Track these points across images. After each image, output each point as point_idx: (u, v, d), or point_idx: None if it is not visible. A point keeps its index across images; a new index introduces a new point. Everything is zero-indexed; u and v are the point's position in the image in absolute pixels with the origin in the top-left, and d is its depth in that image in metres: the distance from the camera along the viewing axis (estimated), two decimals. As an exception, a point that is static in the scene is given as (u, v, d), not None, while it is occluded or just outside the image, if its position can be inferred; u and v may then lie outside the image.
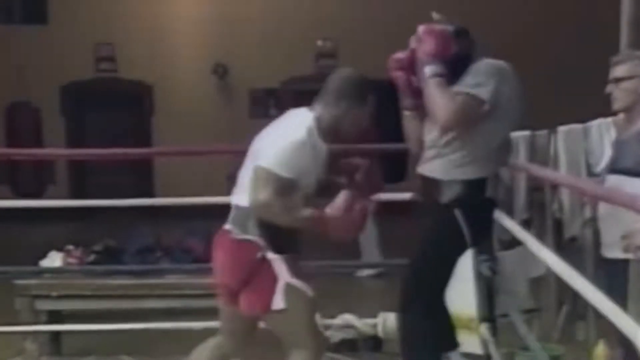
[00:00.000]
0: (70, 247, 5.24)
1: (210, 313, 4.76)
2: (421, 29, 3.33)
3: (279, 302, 3.03)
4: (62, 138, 13.06)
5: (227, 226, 3.17)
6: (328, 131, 3.15)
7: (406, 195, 3.89)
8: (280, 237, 3.04)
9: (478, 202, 3.41)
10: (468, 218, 3.37)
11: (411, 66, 3.43)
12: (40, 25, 13.00)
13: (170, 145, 11.78)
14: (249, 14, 12.97)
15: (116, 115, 13.34)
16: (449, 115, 3.18)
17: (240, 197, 3.11)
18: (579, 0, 12.05)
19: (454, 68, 3.27)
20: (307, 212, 3.02)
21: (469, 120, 3.24)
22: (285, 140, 3.02)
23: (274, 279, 3.04)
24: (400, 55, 3.50)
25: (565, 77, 11.90)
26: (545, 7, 12.31)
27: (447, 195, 3.37)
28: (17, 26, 12.97)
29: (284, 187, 2.97)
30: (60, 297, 4.90)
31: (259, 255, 3.05)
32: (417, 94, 3.40)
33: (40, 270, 5.12)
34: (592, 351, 3.84)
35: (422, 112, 3.44)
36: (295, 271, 3.07)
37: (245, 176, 3.13)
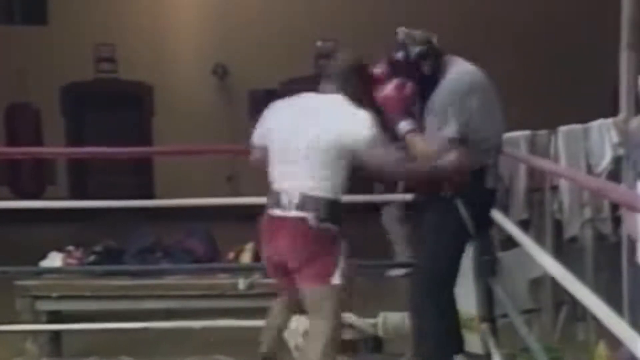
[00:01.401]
0: (71, 247, 5.24)
1: (210, 313, 4.78)
2: (387, 88, 3.54)
3: (337, 278, 3.36)
4: (62, 139, 13.05)
5: (298, 214, 3.35)
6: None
7: (407, 196, 3.95)
8: (342, 223, 3.39)
9: (477, 191, 3.55)
10: (468, 207, 3.48)
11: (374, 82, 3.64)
12: (40, 26, 13.00)
13: (170, 145, 11.80)
14: (249, 15, 12.97)
15: (116, 116, 13.33)
16: (430, 157, 3.48)
17: (304, 185, 3.35)
18: (578, 0, 12.06)
19: (422, 89, 3.52)
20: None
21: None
22: (365, 129, 3.34)
23: (336, 259, 3.37)
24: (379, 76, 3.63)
25: (565, 78, 11.91)
26: (544, 7, 12.31)
27: (447, 186, 3.49)
28: (17, 27, 12.97)
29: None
30: (60, 298, 4.91)
31: (332, 239, 3.37)
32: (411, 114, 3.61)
33: (40, 270, 5.12)
34: (592, 352, 3.84)
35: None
36: (348, 257, 3.42)
37: (305, 163, 3.36)
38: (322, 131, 3.35)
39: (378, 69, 3.60)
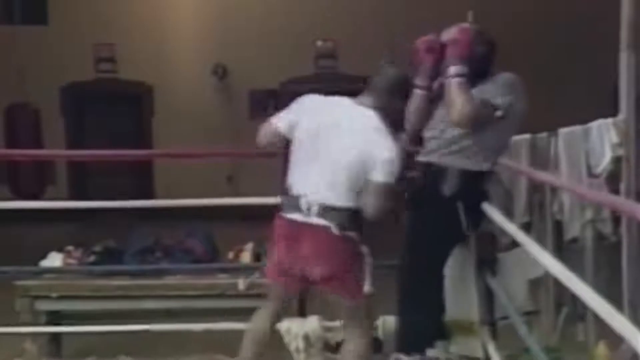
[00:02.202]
0: (70, 247, 5.24)
1: (210, 314, 4.78)
2: (457, 29, 3.60)
3: (368, 287, 3.44)
4: (62, 139, 13.06)
5: (320, 222, 3.39)
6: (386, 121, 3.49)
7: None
8: (361, 230, 3.47)
9: (476, 194, 3.66)
10: (467, 210, 3.53)
11: (441, 53, 3.66)
12: (40, 26, 12.99)
13: (171, 146, 11.80)
14: (249, 14, 12.97)
15: (116, 116, 13.34)
16: (462, 114, 3.48)
17: (336, 197, 3.39)
18: (578, 0, 12.05)
19: (475, 67, 3.57)
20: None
21: (480, 122, 3.53)
22: (387, 151, 3.35)
23: (364, 269, 3.45)
24: (433, 38, 3.70)
25: (565, 78, 11.91)
26: (544, 7, 12.31)
27: (449, 185, 3.53)
28: (17, 27, 12.94)
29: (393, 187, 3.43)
30: (60, 298, 4.91)
31: (357, 249, 3.45)
32: (434, 78, 3.70)
33: (40, 270, 5.12)
34: (592, 352, 3.84)
35: (431, 95, 3.73)
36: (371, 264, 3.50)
37: (332, 174, 3.39)
38: (352, 145, 3.37)
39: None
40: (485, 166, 3.68)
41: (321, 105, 3.52)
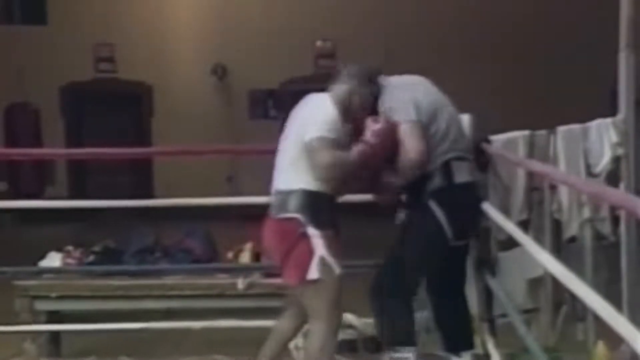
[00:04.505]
0: (70, 247, 5.23)
1: (210, 313, 4.78)
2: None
3: (313, 272, 3.29)
4: (62, 139, 13.06)
5: (270, 212, 3.44)
6: (341, 106, 3.45)
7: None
8: (320, 214, 3.33)
9: (446, 189, 3.57)
10: (442, 207, 3.50)
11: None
12: (40, 26, 13.00)
13: (170, 146, 11.79)
14: (249, 14, 12.97)
15: (116, 116, 13.33)
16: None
17: (278, 182, 3.44)
18: (577, 0, 12.05)
19: (373, 107, 3.58)
20: (354, 151, 3.38)
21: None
22: (320, 112, 3.39)
23: (311, 252, 3.30)
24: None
25: (564, 77, 11.90)
26: (544, 7, 12.31)
27: (427, 187, 3.55)
28: (16, 27, 12.96)
29: (335, 146, 3.33)
30: (59, 298, 4.90)
31: (300, 230, 3.31)
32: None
33: (39, 270, 5.11)
34: (592, 352, 3.84)
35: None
36: (330, 247, 3.33)
37: (282, 162, 3.44)
38: (294, 130, 3.43)
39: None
40: (435, 163, 3.61)
41: (297, 108, 3.57)
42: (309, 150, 3.32)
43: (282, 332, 3.67)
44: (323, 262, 3.30)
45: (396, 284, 3.59)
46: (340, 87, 3.54)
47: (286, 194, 3.38)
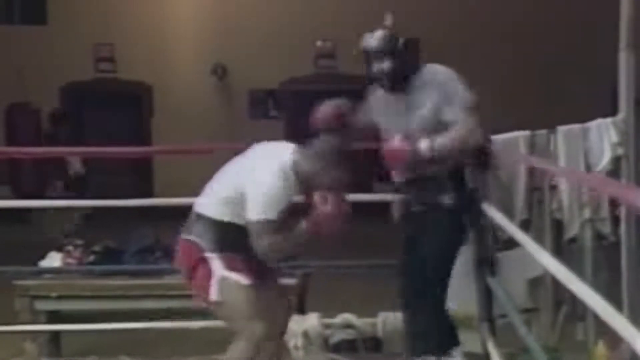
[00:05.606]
0: (70, 247, 5.24)
1: (210, 313, 4.77)
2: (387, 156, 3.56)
3: (213, 294, 3.34)
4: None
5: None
6: (304, 180, 3.35)
7: (387, 197, 4.02)
8: (223, 242, 3.36)
9: (464, 196, 3.66)
10: (469, 216, 3.58)
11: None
12: (40, 26, 13.00)
13: (170, 145, 11.78)
14: (249, 14, 12.97)
15: (116, 116, 13.34)
16: (468, 137, 3.52)
17: (200, 202, 3.49)
18: (577, 0, 12.06)
19: (407, 76, 3.62)
20: (301, 227, 3.32)
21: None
22: (264, 188, 3.28)
23: (209, 275, 3.35)
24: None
25: (564, 77, 11.91)
26: (543, 7, 12.31)
27: (449, 196, 3.58)
28: (16, 26, 12.97)
29: (276, 225, 3.29)
30: (59, 298, 4.90)
31: (198, 255, 3.38)
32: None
33: (39, 270, 5.12)
34: (592, 352, 3.84)
35: None
36: (232, 263, 3.34)
37: (215, 187, 3.47)
38: (243, 171, 3.40)
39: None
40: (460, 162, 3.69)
41: (254, 148, 3.58)
42: (250, 230, 3.30)
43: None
44: (223, 282, 3.32)
45: (432, 287, 3.65)
46: (307, 164, 3.33)
47: (197, 217, 3.44)
